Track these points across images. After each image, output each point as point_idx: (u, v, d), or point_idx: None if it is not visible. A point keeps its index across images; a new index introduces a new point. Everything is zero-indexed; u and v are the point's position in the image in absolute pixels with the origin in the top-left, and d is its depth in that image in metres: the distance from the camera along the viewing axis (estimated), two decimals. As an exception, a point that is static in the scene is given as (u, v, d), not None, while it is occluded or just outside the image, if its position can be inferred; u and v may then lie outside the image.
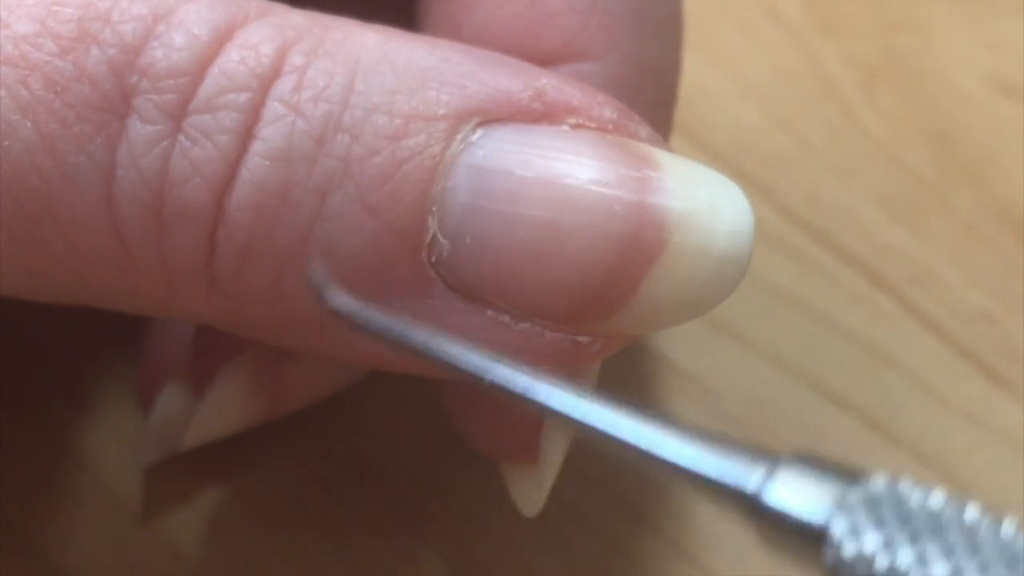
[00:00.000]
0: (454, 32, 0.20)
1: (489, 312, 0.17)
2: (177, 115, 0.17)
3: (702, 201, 0.17)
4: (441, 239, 0.17)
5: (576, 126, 0.18)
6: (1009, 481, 0.24)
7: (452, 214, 0.17)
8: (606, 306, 0.17)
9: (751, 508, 0.14)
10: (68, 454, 0.23)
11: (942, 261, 0.26)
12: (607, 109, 0.18)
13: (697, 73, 0.25)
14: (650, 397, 0.25)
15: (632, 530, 0.23)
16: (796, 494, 0.14)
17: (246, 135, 0.17)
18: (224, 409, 0.22)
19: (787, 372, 0.25)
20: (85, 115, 0.17)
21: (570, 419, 0.15)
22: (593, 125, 0.18)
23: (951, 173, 0.28)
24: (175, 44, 0.17)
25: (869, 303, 0.26)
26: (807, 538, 0.14)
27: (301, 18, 0.17)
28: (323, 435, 0.24)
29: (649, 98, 0.20)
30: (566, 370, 0.19)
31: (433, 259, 0.17)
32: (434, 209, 0.17)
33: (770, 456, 0.15)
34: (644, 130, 0.18)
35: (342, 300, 0.16)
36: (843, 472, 0.14)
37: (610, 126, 0.18)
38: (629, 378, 0.25)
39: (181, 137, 0.17)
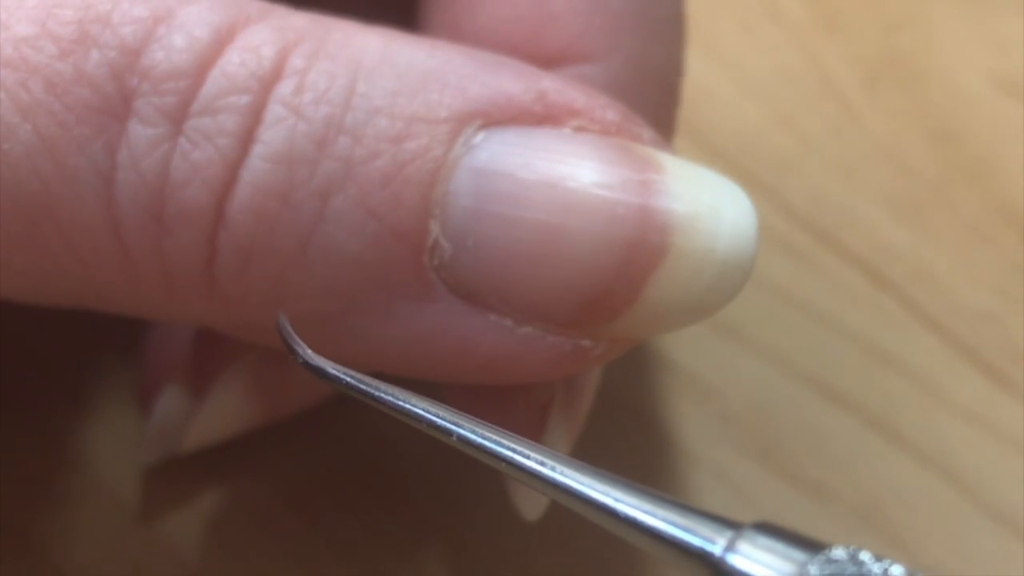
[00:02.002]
0: (456, 34, 0.20)
1: (491, 316, 0.17)
2: (178, 117, 0.16)
3: (705, 204, 0.17)
4: (443, 242, 0.17)
5: (578, 129, 0.17)
6: (1009, 481, 0.24)
7: (454, 217, 0.17)
8: (609, 310, 0.17)
9: (715, 572, 0.15)
10: (68, 455, 0.23)
11: (944, 261, 0.26)
12: (610, 111, 0.18)
13: (699, 72, 0.25)
14: (652, 398, 0.25)
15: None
16: (759, 561, 0.14)
17: (247, 138, 0.17)
18: (224, 412, 0.22)
19: (788, 372, 0.25)
20: (85, 118, 0.16)
21: (540, 479, 0.16)
22: (596, 128, 0.18)
23: (953, 172, 0.28)
24: (176, 46, 0.17)
25: (871, 303, 0.26)
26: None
27: (302, 20, 0.17)
28: (323, 437, 0.23)
29: (651, 100, 0.20)
30: (569, 374, 0.19)
31: (435, 262, 0.17)
32: (436, 212, 0.17)
33: (735, 524, 0.15)
34: (647, 133, 0.18)
35: (312, 357, 0.17)
36: (805, 543, 0.15)
37: (613, 129, 0.18)
38: (630, 379, 0.25)
39: (182, 140, 0.17)
